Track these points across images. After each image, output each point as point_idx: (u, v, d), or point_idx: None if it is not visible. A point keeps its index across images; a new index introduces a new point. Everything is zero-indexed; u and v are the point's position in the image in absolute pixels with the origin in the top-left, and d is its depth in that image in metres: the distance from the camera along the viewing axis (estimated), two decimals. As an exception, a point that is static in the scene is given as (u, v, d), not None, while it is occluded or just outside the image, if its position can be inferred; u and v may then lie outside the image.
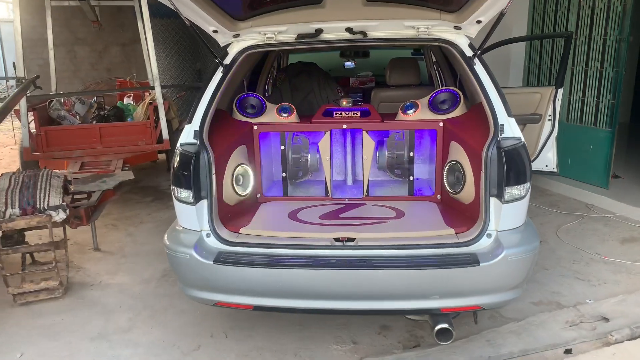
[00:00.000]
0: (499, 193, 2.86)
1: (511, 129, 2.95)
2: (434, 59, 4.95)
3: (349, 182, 3.99)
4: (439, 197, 3.61)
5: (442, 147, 3.54)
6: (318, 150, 3.73)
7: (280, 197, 3.79)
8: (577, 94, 6.45)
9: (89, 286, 4.47)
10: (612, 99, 6.02)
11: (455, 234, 2.98)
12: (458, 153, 3.28)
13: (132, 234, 5.68)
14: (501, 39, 4.47)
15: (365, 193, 3.69)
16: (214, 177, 3.07)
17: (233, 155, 3.39)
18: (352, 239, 2.95)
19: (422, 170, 3.88)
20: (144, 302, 4.15)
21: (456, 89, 3.59)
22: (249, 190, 3.53)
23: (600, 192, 6.17)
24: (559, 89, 4.33)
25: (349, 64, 6.96)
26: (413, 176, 3.72)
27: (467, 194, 3.18)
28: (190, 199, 3.02)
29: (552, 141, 4.23)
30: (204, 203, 3.04)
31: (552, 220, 5.67)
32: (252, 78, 4.57)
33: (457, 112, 3.54)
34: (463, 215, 3.20)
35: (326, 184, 3.72)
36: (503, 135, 2.91)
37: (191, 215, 3.05)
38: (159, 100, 6.48)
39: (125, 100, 7.63)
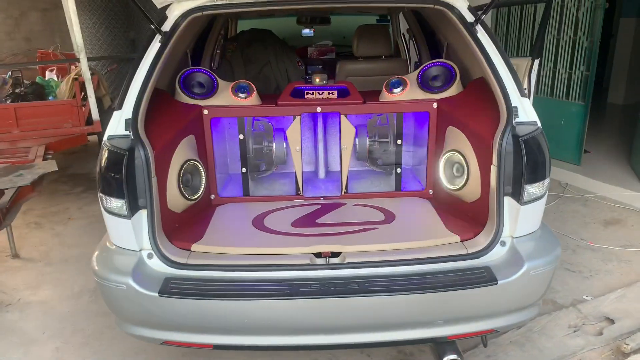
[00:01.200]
0: (516, 192, 2.32)
1: (525, 112, 2.40)
2: (406, 27, 4.33)
3: (322, 174, 3.36)
4: (430, 192, 3.04)
5: (435, 133, 2.96)
6: (285, 138, 3.06)
7: (240, 198, 3.11)
8: (548, 65, 6.05)
9: (3, 307, 3.65)
10: (586, 71, 5.65)
11: (461, 241, 2.44)
12: (458, 141, 2.71)
13: (60, 234, 4.84)
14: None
15: (343, 190, 3.07)
16: (154, 179, 2.36)
17: (178, 149, 2.67)
18: (336, 254, 2.34)
19: (409, 161, 3.31)
20: (73, 325, 3.41)
21: (450, 63, 2.99)
22: (201, 191, 2.82)
23: (573, 169, 5.87)
24: (536, 60, 3.82)
25: (307, 31, 6.19)
26: (400, 168, 3.12)
27: (470, 190, 2.62)
28: (124, 211, 2.30)
29: None
30: (143, 215, 2.33)
31: (530, 203, 5.29)
32: (196, 50, 3.78)
33: (452, 91, 2.95)
34: (465, 217, 2.65)
35: (296, 179, 3.07)
36: (517, 120, 2.35)
37: (127, 231, 2.34)
38: (86, 75, 5.54)
39: (47, 75, 6.58)
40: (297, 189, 3.08)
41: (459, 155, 2.71)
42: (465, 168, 2.67)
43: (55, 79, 6.43)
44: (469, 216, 2.67)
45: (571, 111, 5.88)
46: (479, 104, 2.70)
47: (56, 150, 5.45)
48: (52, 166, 4.61)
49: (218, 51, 4.41)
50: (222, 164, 3.17)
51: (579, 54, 5.67)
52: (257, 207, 2.95)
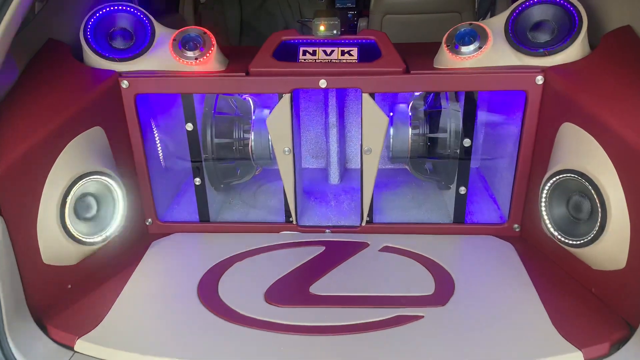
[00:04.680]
0: None
1: None
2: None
3: (334, 178, 2.13)
4: (516, 228, 1.76)
5: (535, 132, 1.64)
6: (266, 128, 1.81)
7: (194, 225, 1.91)
8: None
9: None
10: None
11: None
12: (585, 152, 1.42)
13: None
14: None
15: (365, 217, 1.82)
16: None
17: (64, 156, 1.49)
18: None
19: (484, 174, 2.01)
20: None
21: (573, 1, 1.60)
22: (116, 223, 1.62)
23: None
24: None
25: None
26: (467, 186, 1.81)
27: (607, 249, 1.38)
28: None
29: None
30: None
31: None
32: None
33: (572, 52, 1.59)
34: (589, 297, 1.41)
35: (286, 200, 1.83)
36: None
37: None
38: None
39: None
40: (287, 211, 1.84)
41: (585, 181, 1.40)
42: (599, 207, 1.37)
43: None
44: (595, 296, 1.42)
45: None
46: (630, 79, 1.36)
47: None
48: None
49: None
50: (160, 172, 1.93)
51: None
52: (218, 247, 1.75)
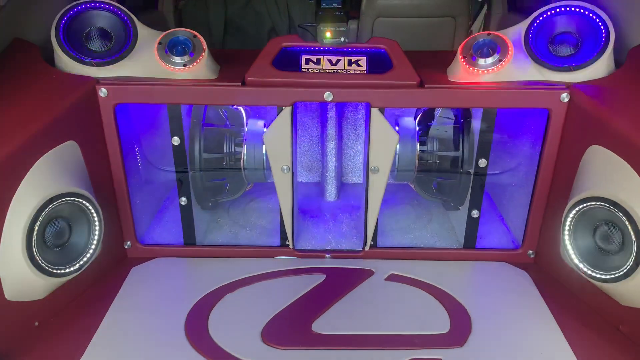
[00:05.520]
0: None
1: None
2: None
3: (331, 194, 1.97)
4: (531, 254, 1.64)
5: (557, 154, 1.51)
6: (262, 142, 1.64)
7: (178, 249, 1.72)
8: None
9: None
10: None
11: None
12: (619, 180, 1.30)
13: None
14: None
15: (369, 241, 1.67)
16: None
17: (30, 176, 1.28)
18: None
19: (498, 198, 1.89)
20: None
21: (596, 10, 1.48)
22: (90, 250, 1.43)
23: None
24: None
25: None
26: (479, 209, 1.67)
27: (638, 286, 1.24)
28: None
29: None
30: None
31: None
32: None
33: (598, 68, 1.46)
34: (616, 336, 1.30)
35: (282, 223, 1.66)
36: None
37: None
38: None
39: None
40: (283, 233, 1.67)
41: (618, 211, 1.28)
42: (634, 239, 1.25)
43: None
44: (623, 334, 1.30)
45: None
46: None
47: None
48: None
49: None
50: (141, 185, 1.74)
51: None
52: (206, 275, 1.57)
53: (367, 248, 1.69)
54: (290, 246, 1.69)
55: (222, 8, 3.08)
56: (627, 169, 1.29)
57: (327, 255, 1.69)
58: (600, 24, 1.49)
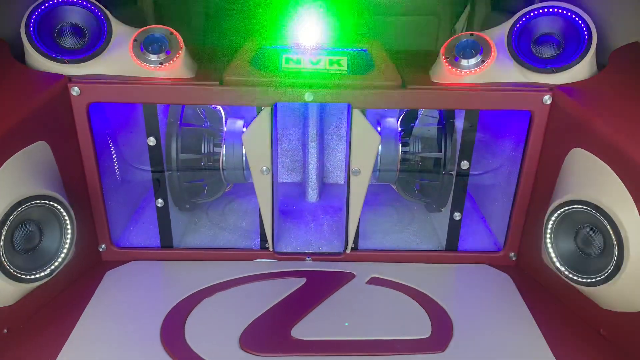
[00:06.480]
0: None
1: None
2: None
3: (312, 195, 1.95)
4: (512, 256, 1.63)
5: (539, 157, 1.50)
6: (239, 141, 1.61)
7: (154, 252, 1.68)
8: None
9: None
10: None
11: None
12: (601, 183, 1.29)
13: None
14: None
15: (350, 244, 1.64)
16: None
17: (2, 173, 1.24)
18: None
19: (481, 200, 1.89)
20: None
21: (578, 10, 1.47)
22: (62, 254, 1.38)
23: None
24: None
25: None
26: (461, 211, 1.65)
27: (621, 289, 1.26)
28: None
29: None
30: None
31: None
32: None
33: (581, 70, 1.46)
34: (598, 340, 1.29)
35: (261, 225, 1.63)
36: None
37: None
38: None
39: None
40: (262, 235, 1.64)
41: (599, 215, 1.27)
42: (615, 243, 1.24)
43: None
44: (604, 337, 1.30)
45: None
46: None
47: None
48: None
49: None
50: (116, 186, 1.69)
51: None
52: (183, 278, 1.53)
53: (348, 251, 1.66)
54: (270, 249, 1.66)
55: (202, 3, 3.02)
56: (609, 172, 1.29)
57: (307, 258, 1.66)
58: (582, 25, 1.48)
